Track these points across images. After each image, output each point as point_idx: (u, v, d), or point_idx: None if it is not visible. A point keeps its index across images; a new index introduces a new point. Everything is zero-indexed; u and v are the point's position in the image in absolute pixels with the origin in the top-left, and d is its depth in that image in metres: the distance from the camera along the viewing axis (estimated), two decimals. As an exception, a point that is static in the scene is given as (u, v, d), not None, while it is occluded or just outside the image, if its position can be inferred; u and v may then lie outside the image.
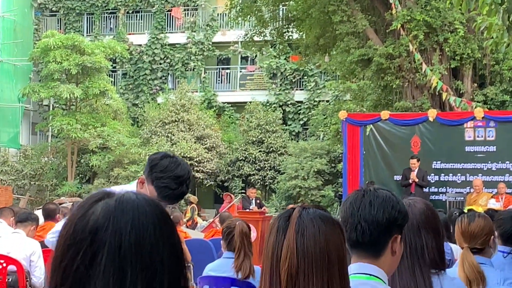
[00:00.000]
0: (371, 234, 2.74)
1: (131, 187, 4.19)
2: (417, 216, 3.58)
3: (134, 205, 1.61)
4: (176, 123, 32.51)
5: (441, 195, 18.07)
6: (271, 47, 33.48)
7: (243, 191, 29.41)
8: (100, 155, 31.12)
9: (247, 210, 18.34)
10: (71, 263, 1.52)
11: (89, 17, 40.26)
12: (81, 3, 39.93)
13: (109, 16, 40.19)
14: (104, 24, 40.33)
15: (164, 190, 3.94)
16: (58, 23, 40.16)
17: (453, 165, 18.26)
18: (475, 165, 18.13)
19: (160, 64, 38.50)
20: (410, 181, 17.35)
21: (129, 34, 39.10)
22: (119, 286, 1.52)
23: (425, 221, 3.58)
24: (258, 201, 20.09)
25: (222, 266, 6.34)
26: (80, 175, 33.48)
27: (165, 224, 1.64)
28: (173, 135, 32.01)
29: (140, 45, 38.68)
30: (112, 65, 35.19)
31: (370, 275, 2.74)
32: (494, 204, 15.46)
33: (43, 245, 7.17)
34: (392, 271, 2.99)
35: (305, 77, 36.70)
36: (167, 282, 1.58)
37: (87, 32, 39.25)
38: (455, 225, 4.86)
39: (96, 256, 1.52)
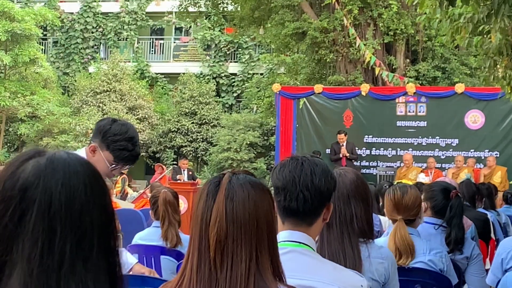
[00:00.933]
0: (312, 203, 2.76)
1: (80, 154, 4.03)
2: (348, 185, 3.68)
3: (66, 164, 1.59)
4: (107, 93, 32.24)
5: (372, 168, 18.30)
6: (206, 19, 33.35)
7: (175, 162, 29.43)
8: (29, 124, 30.65)
9: (177, 181, 18.22)
10: (0, 220, 1.51)
11: None
12: None
13: None
14: None
15: (122, 153, 3.93)
16: None
17: (384, 140, 18.46)
18: (405, 140, 18.34)
19: (92, 33, 38.04)
20: (341, 155, 17.51)
21: (61, 1, 38.33)
22: (48, 245, 1.50)
23: (355, 191, 3.66)
24: (190, 173, 20.00)
25: (151, 235, 6.33)
26: (8, 144, 32.93)
27: (97, 184, 1.62)
28: (105, 105, 31.71)
29: (72, 13, 38.06)
30: (42, 33, 34.61)
31: (300, 242, 2.77)
32: (424, 179, 15.64)
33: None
34: (317, 236, 3.02)
35: (240, 49, 36.74)
36: (96, 242, 1.57)
37: None
38: (386, 196, 4.91)
39: (25, 214, 1.51)
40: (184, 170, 19.84)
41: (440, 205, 5.34)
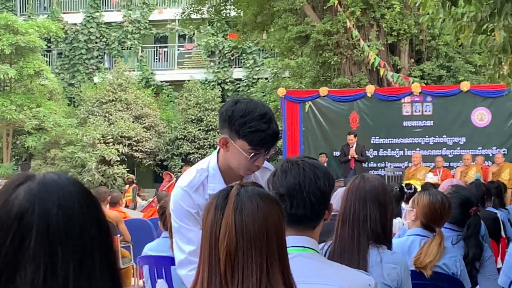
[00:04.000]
0: (319, 208, 2.78)
1: (212, 157, 3.67)
2: (368, 189, 3.71)
3: (58, 185, 1.60)
4: (113, 102, 32.39)
5: (380, 170, 18.38)
6: (209, 25, 33.59)
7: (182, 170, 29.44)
8: (36, 136, 30.77)
9: None
10: (0, 249, 1.51)
11: None
12: None
13: None
14: (37, 3, 39.76)
15: (256, 136, 3.31)
16: None
17: (392, 140, 18.58)
18: (413, 140, 18.46)
19: (96, 43, 38.22)
20: (349, 157, 17.59)
21: (64, 13, 38.62)
22: (50, 268, 1.50)
23: (373, 195, 3.69)
24: None
25: (160, 245, 6.33)
26: (16, 157, 33.10)
27: (91, 202, 1.64)
28: (111, 114, 31.83)
29: (75, 24, 38.30)
30: (46, 45, 34.79)
31: (305, 247, 2.80)
32: (432, 178, 15.84)
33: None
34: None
35: (244, 54, 36.92)
36: (98, 257, 1.58)
37: (20, 12, 38.66)
38: (427, 202, 4.94)
39: (24, 241, 1.51)
40: None
41: (457, 217, 5.32)
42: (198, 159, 31.77)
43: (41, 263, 1.50)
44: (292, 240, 2.76)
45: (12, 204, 1.53)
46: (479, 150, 17.84)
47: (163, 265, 6.15)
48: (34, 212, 1.52)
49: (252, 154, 3.29)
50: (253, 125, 3.29)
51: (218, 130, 31.82)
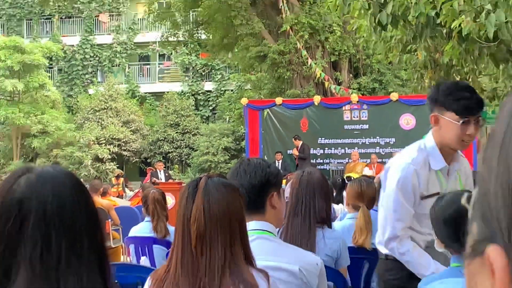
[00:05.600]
0: (249, 197, 2.70)
1: (427, 138, 3.34)
2: (314, 183, 3.68)
3: (54, 177, 1.59)
4: (105, 110, 31.96)
5: (325, 165, 18.04)
6: (184, 46, 33.20)
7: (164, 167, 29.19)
8: (40, 138, 30.44)
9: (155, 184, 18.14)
10: (3, 229, 1.51)
11: (28, 22, 38.96)
12: (21, 10, 38.64)
13: (45, 21, 38.89)
14: (41, 28, 38.88)
15: (461, 103, 3.01)
16: (1, 28, 38.91)
17: (335, 141, 18.15)
18: (352, 140, 18.09)
19: (90, 61, 37.49)
20: (294, 156, 17.70)
21: (63, 36, 37.84)
22: (46, 247, 1.51)
23: (320, 188, 3.69)
24: (166, 174, 19.91)
25: (144, 228, 6.26)
26: (24, 156, 32.50)
27: (82, 192, 1.62)
28: (103, 120, 31.42)
29: (73, 45, 37.63)
30: (49, 63, 34.15)
31: (264, 230, 2.76)
32: (368, 172, 15.54)
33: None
34: (281, 221, 3.01)
35: (213, 70, 36.34)
36: (87, 240, 1.57)
37: (26, 35, 37.81)
38: (351, 187, 4.99)
39: (24, 223, 1.51)
40: (160, 171, 19.51)
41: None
42: (176, 156, 31.67)
43: (38, 242, 1.50)
44: (253, 224, 2.73)
45: (14, 192, 1.53)
46: (402, 147, 17.11)
47: (146, 244, 6.08)
48: (32, 199, 1.52)
49: (462, 121, 2.99)
50: (457, 95, 3.05)
51: (192, 133, 31.46)
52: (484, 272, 0.46)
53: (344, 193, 8.52)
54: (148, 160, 32.05)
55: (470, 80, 7.87)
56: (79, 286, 1.53)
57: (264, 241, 2.73)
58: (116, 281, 4.11)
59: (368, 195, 4.82)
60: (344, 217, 5.43)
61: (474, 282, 0.48)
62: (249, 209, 2.71)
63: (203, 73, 36.69)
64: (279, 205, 2.81)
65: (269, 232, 2.77)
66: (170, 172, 21.18)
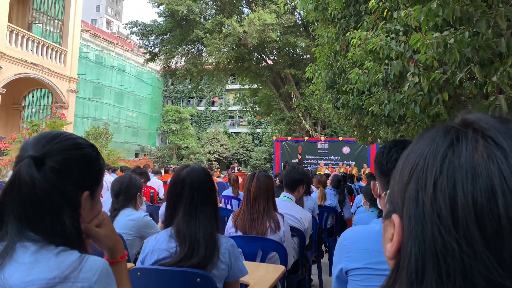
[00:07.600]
0: (290, 183, 4.09)
1: None
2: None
3: (198, 169, 2.22)
4: (213, 140, 42.59)
5: (309, 166, 24.06)
6: (249, 112, 37.32)
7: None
8: (185, 150, 42.17)
9: (233, 171, 24.98)
10: (175, 191, 2.16)
11: (183, 100, 51.51)
12: (183, 89, 51.34)
13: (190, 100, 50.99)
14: (188, 102, 51.87)
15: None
16: (170, 100, 52.72)
17: (314, 157, 24.90)
18: (321, 157, 24.52)
19: (208, 117, 49.20)
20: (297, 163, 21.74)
21: (198, 106, 50.66)
22: (190, 200, 2.14)
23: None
24: (238, 168, 26.73)
25: (228, 192, 8.20)
26: (177, 158, 44.17)
27: (208, 175, 2.24)
28: (212, 144, 42.30)
29: (201, 110, 49.66)
30: (190, 117, 45.70)
31: (288, 197, 4.04)
32: (327, 171, 19.88)
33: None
34: (298, 198, 4.22)
35: (261, 123, 47.71)
36: (209, 199, 2.20)
37: (183, 105, 51.40)
38: (316, 179, 6.81)
39: (184, 188, 2.15)
40: (235, 167, 26.64)
41: (336, 185, 7.34)
42: (243, 161, 42.83)
43: (188, 198, 2.12)
44: (287, 194, 4.00)
45: (181, 175, 2.17)
46: (344, 161, 24.30)
47: (229, 199, 8.08)
48: (187, 178, 2.14)
49: None
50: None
51: (250, 150, 45.55)
52: (390, 226, 0.75)
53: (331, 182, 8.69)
54: (230, 161, 45.09)
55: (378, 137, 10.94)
56: (204, 219, 2.11)
57: (287, 202, 3.88)
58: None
59: (322, 182, 6.64)
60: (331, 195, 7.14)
61: (385, 230, 0.78)
62: (287, 188, 3.99)
63: (256, 124, 49.76)
64: (301, 192, 4.07)
65: (290, 199, 3.94)
66: (239, 167, 30.55)
